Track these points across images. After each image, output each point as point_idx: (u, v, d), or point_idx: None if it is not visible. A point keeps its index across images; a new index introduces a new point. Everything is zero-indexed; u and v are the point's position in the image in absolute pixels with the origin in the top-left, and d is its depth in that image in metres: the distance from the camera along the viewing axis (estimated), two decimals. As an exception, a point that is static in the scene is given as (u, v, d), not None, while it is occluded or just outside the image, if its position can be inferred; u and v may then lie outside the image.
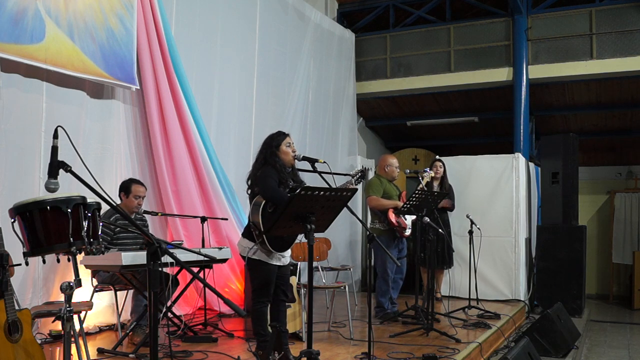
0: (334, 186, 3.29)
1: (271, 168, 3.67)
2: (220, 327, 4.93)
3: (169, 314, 4.53)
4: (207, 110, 6.06)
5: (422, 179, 6.02)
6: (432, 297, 5.23)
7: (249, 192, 3.76)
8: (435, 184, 6.74)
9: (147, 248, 2.11)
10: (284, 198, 3.40)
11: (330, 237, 6.45)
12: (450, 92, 9.41)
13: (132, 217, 4.54)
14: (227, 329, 4.90)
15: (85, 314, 4.29)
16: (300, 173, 3.90)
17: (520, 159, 7.31)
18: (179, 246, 3.81)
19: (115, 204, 2.35)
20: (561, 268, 7.37)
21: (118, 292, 4.47)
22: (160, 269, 2.13)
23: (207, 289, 4.54)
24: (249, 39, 6.78)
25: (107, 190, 2.45)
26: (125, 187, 4.53)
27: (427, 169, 6.31)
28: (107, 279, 4.41)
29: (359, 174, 3.77)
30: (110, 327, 4.90)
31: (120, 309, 4.50)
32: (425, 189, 5.70)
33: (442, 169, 6.77)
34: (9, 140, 4.29)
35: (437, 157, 7.20)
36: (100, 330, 4.82)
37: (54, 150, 2.35)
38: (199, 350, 4.13)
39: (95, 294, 4.54)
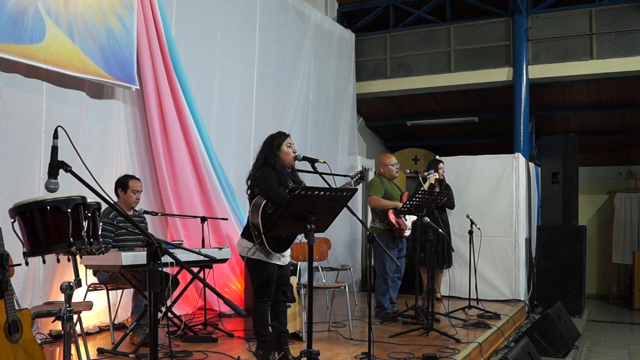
0: (334, 187, 3.29)
1: (270, 169, 3.67)
2: (220, 327, 4.93)
3: (169, 314, 4.52)
4: (207, 110, 6.05)
5: (426, 180, 6.00)
6: (432, 297, 5.23)
7: (249, 192, 3.76)
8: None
9: (147, 248, 2.11)
10: (284, 199, 3.40)
11: (330, 237, 6.45)
12: (450, 92, 9.41)
13: (130, 214, 4.55)
14: (227, 329, 4.90)
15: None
16: (300, 174, 3.90)
17: (520, 159, 7.31)
18: (179, 246, 3.81)
19: (113, 202, 2.35)
20: (561, 268, 7.37)
21: (112, 292, 4.49)
22: (160, 268, 2.13)
23: (207, 289, 4.54)
24: (249, 38, 6.78)
25: (107, 190, 2.45)
26: (122, 183, 4.52)
27: (432, 171, 6.28)
28: (107, 279, 4.41)
29: (358, 175, 3.77)
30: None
31: (115, 309, 4.50)
32: (426, 189, 5.69)
33: (442, 171, 6.77)
34: (9, 140, 4.29)
35: (437, 157, 7.19)
36: (100, 330, 4.82)
37: (54, 150, 2.35)
38: (199, 350, 4.13)
39: (96, 293, 4.55)
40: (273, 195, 3.55)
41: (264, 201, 3.55)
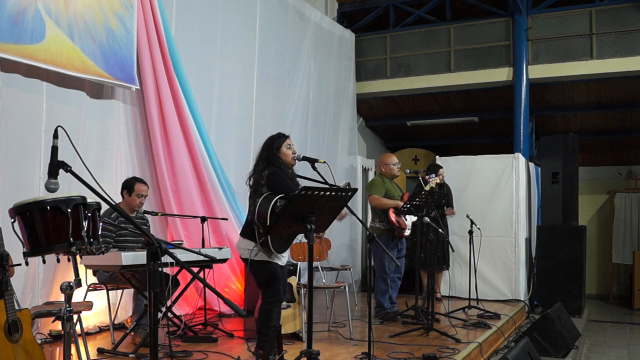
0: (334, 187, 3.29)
1: (277, 169, 3.67)
2: (220, 327, 4.92)
3: (169, 314, 4.52)
4: (207, 110, 6.05)
5: (427, 183, 6.00)
6: (432, 297, 5.23)
7: (250, 190, 3.74)
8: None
9: (147, 248, 2.11)
10: None
11: (330, 237, 6.45)
12: (450, 92, 9.42)
13: (133, 215, 4.55)
14: (227, 329, 4.90)
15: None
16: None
17: (520, 159, 7.31)
18: (179, 246, 3.81)
19: (114, 203, 2.35)
20: (561, 268, 7.38)
21: (113, 292, 4.49)
22: (160, 269, 2.13)
23: (207, 289, 4.54)
24: (249, 39, 6.78)
25: (107, 190, 2.44)
26: (129, 185, 4.51)
27: (432, 175, 6.28)
28: (107, 279, 4.41)
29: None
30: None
31: (115, 309, 4.50)
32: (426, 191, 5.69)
33: (442, 176, 6.77)
34: (9, 140, 4.29)
35: (438, 160, 7.18)
36: (100, 330, 4.82)
37: (54, 150, 2.35)
38: (199, 350, 4.13)
39: (96, 293, 4.54)
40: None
41: (274, 200, 3.52)
